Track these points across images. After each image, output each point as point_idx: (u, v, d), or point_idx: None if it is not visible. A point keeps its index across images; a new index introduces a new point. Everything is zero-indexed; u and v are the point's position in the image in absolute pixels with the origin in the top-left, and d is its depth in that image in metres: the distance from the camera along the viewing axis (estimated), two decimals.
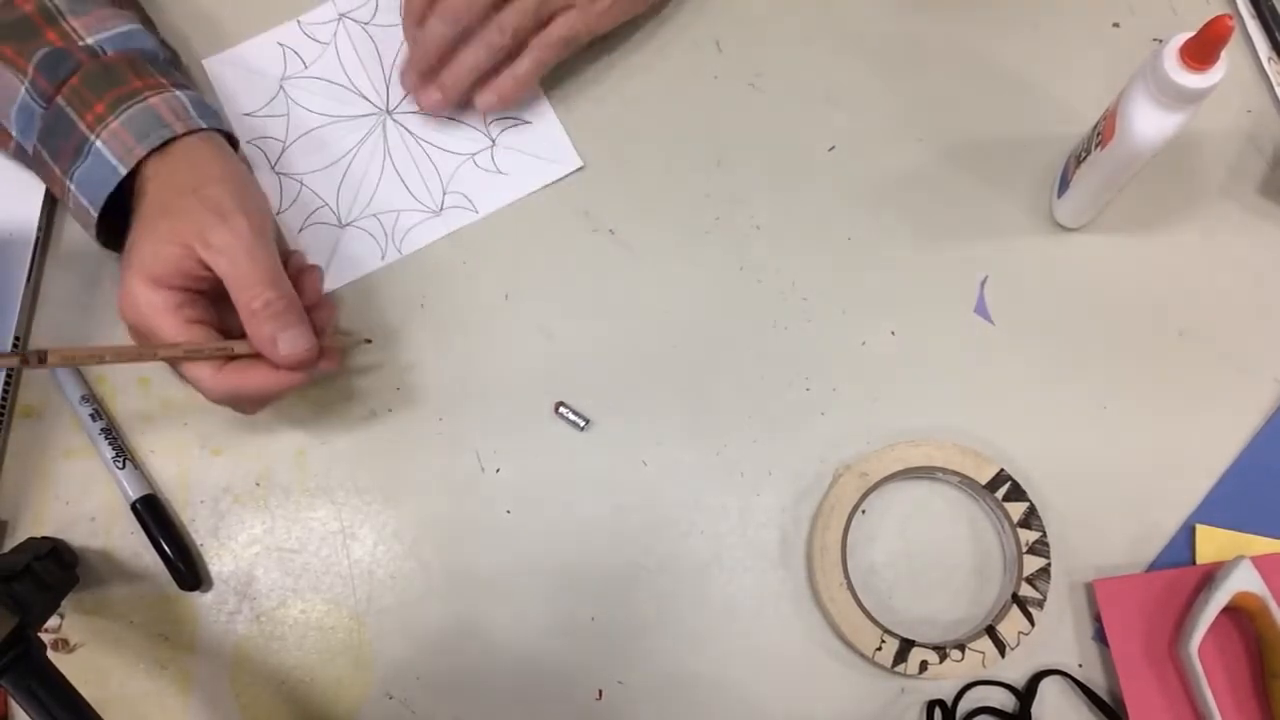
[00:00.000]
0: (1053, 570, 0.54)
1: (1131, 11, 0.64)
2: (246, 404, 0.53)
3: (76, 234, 0.60)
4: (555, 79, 0.63)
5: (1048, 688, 0.54)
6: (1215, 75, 0.46)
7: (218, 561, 0.57)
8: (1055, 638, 0.55)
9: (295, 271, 0.54)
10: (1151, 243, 0.60)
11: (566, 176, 0.61)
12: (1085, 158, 0.54)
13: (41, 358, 0.46)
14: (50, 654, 0.49)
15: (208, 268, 0.50)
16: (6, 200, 0.59)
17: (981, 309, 0.59)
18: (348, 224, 0.61)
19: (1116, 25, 0.64)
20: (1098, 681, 0.54)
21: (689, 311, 0.59)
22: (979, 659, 0.53)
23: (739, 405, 0.58)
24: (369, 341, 0.58)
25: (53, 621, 0.56)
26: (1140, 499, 0.56)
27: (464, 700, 0.55)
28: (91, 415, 0.57)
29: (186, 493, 0.58)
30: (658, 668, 0.55)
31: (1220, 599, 0.52)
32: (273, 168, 0.62)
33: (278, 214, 0.61)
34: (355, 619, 0.56)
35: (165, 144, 0.52)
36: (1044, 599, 0.54)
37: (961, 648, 0.53)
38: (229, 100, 0.62)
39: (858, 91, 0.63)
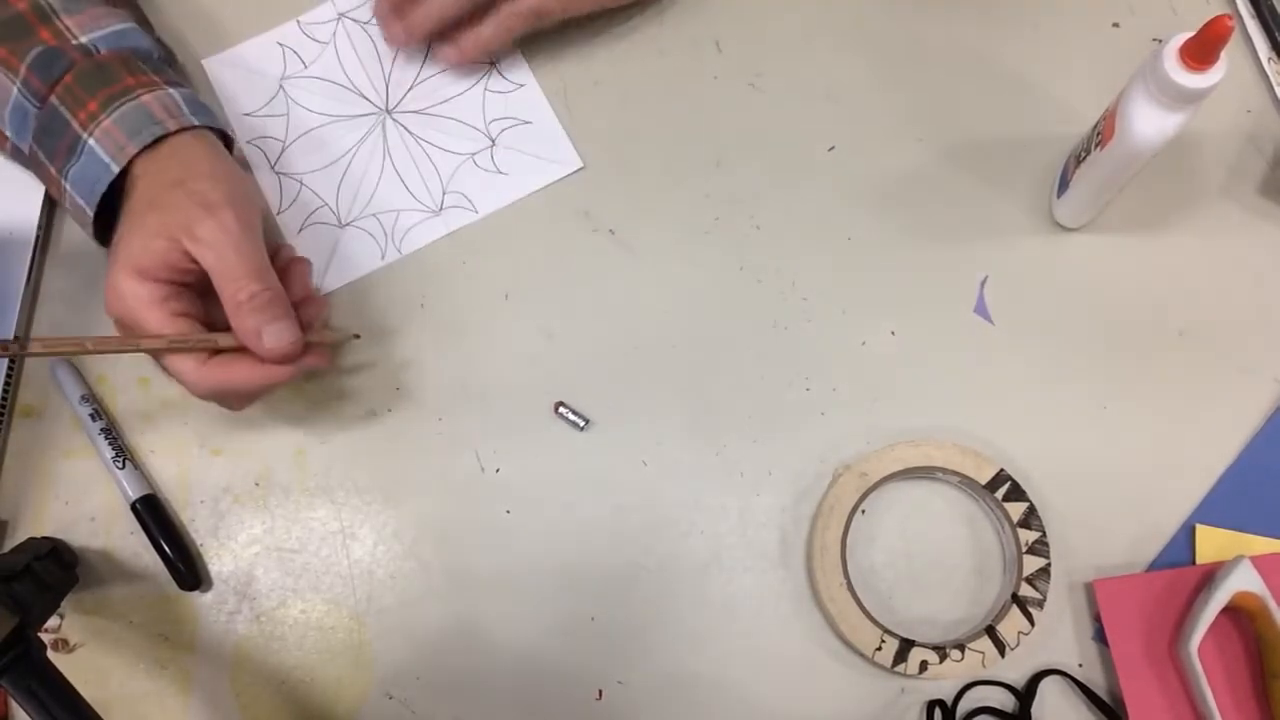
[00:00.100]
0: (1053, 570, 0.54)
1: (1131, 11, 0.64)
2: (232, 399, 0.53)
3: (76, 233, 0.60)
4: (555, 78, 0.63)
5: (1048, 688, 0.54)
6: (1215, 75, 0.46)
7: (218, 561, 0.57)
8: (1055, 638, 0.55)
9: (284, 265, 0.54)
10: (1151, 243, 0.60)
11: (566, 176, 0.61)
12: (1085, 158, 0.54)
13: (22, 345, 0.46)
14: (50, 654, 0.49)
15: (194, 261, 0.50)
16: (6, 200, 0.59)
17: (981, 309, 0.59)
18: (347, 224, 0.61)
19: (1116, 25, 0.64)
20: (1098, 681, 0.54)
21: (689, 311, 0.59)
22: (979, 659, 0.53)
23: (739, 405, 0.58)
24: (357, 337, 0.58)
25: (53, 621, 0.56)
26: (1140, 499, 0.56)
27: (464, 700, 0.55)
28: (91, 415, 0.57)
29: (186, 493, 0.58)
30: (658, 668, 0.55)
31: (1220, 599, 0.52)
32: (272, 167, 0.62)
33: (278, 214, 0.61)
34: (355, 619, 0.56)
35: (156, 141, 0.52)
36: (1044, 599, 0.54)
37: (961, 648, 0.53)
38: (229, 100, 0.62)
39: (858, 91, 0.63)
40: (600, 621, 0.56)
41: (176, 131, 0.52)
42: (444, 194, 0.61)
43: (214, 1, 0.64)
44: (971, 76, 0.63)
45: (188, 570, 0.56)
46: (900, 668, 0.53)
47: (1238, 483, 0.56)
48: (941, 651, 0.53)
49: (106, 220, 0.53)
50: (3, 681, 0.46)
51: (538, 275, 0.60)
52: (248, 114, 0.62)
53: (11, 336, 0.58)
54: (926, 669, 0.53)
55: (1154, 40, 0.63)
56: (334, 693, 0.55)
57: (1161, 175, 0.60)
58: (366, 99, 0.63)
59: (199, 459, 0.58)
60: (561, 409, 0.58)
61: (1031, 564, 0.54)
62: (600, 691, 0.55)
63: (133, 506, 0.56)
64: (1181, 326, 0.59)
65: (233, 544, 0.57)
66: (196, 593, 0.56)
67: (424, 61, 0.63)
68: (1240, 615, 0.53)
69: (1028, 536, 0.55)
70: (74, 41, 0.53)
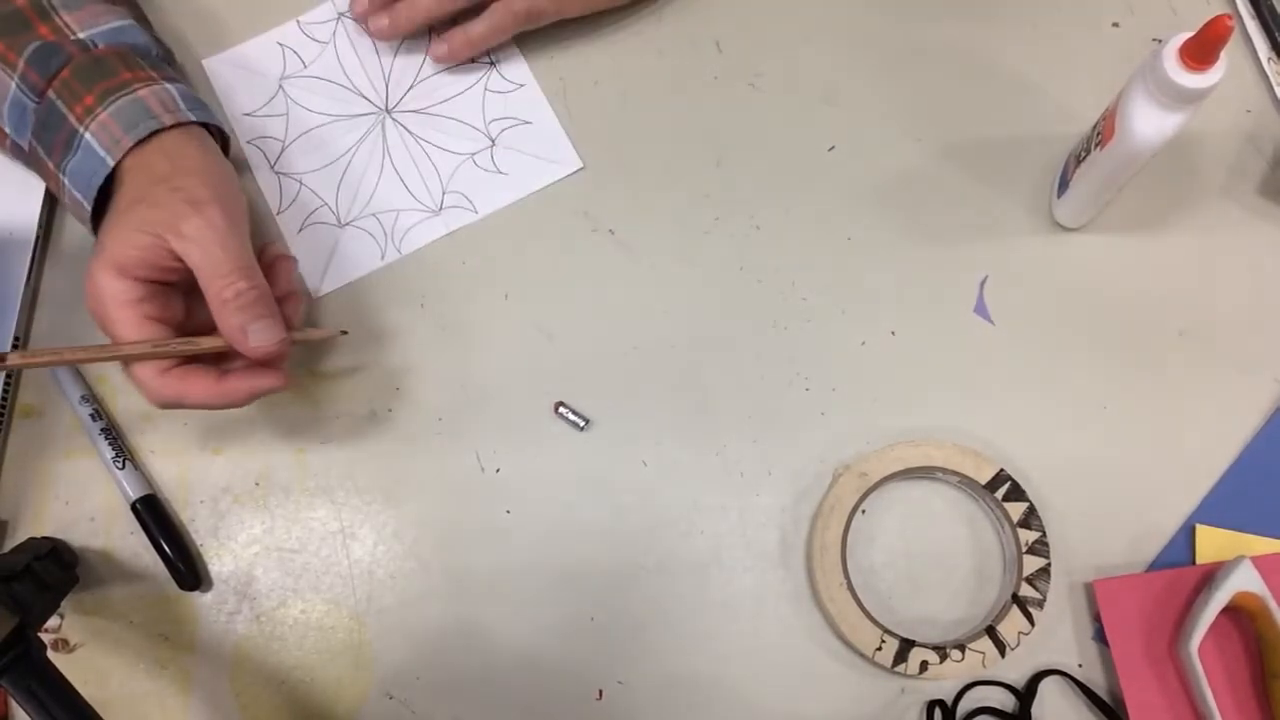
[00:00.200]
0: (1053, 570, 0.54)
1: (1131, 11, 0.64)
2: (189, 409, 0.52)
3: (76, 234, 0.60)
4: (555, 78, 0.63)
5: (1048, 688, 0.54)
6: (1215, 75, 0.46)
7: (218, 561, 0.57)
8: (1055, 638, 0.55)
9: (269, 261, 0.54)
10: (1151, 243, 0.60)
11: (566, 177, 0.61)
12: (1085, 158, 0.54)
13: (1, 358, 0.46)
14: (50, 654, 0.49)
15: (179, 258, 0.49)
16: (6, 200, 0.59)
17: (981, 309, 0.59)
18: (347, 224, 0.61)
19: (1116, 25, 0.64)
20: (1098, 681, 0.54)
21: (689, 311, 0.59)
22: (979, 659, 0.53)
23: (738, 405, 0.58)
24: (345, 333, 0.58)
25: (53, 621, 0.56)
26: (1140, 499, 0.56)
27: (464, 700, 0.55)
28: (91, 415, 0.57)
29: (186, 493, 0.58)
30: (658, 667, 0.55)
31: (1220, 599, 0.52)
32: (272, 167, 0.62)
33: (277, 214, 0.61)
34: (355, 619, 0.56)
35: (148, 136, 0.51)
36: (1044, 599, 0.54)
37: (961, 648, 0.53)
38: (229, 100, 0.63)
39: (857, 92, 0.63)
40: (600, 621, 0.56)
41: (172, 126, 0.52)
42: (444, 194, 0.61)
43: (214, 1, 0.64)
44: (971, 76, 0.63)
45: (188, 570, 0.56)
46: (900, 668, 0.53)
47: (1238, 483, 0.56)
48: (941, 651, 0.53)
49: (105, 215, 0.53)
50: (3, 681, 0.46)
51: (537, 275, 0.60)
52: (247, 114, 0.62)
53: (11, 337, 0.58)
54: (926, 669, 0.53)
55: (1154, 40, 0.63)
56: (334, 693, 0.55)
57: (1161, 175, 0.60)
58: (366, 99, 0.63)
59: (199, 459, 0.58)
60: (561, 409, 0.58)
61: (1031, 564, 0.54)
62: (600, 691, 0.55)
63: (133, 506, 0.56)
64: (1181, 326, 0.59)
65: (233, 544, 0.57)
66: (196, 593, 0.56)
67: (423, 61, 0.63)
68: (1240, 615, 0.53)
69: (1028, 536, 0.55)
70: (72, 37, 0.53)
